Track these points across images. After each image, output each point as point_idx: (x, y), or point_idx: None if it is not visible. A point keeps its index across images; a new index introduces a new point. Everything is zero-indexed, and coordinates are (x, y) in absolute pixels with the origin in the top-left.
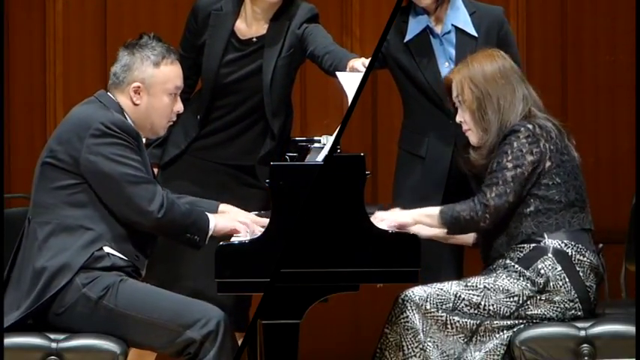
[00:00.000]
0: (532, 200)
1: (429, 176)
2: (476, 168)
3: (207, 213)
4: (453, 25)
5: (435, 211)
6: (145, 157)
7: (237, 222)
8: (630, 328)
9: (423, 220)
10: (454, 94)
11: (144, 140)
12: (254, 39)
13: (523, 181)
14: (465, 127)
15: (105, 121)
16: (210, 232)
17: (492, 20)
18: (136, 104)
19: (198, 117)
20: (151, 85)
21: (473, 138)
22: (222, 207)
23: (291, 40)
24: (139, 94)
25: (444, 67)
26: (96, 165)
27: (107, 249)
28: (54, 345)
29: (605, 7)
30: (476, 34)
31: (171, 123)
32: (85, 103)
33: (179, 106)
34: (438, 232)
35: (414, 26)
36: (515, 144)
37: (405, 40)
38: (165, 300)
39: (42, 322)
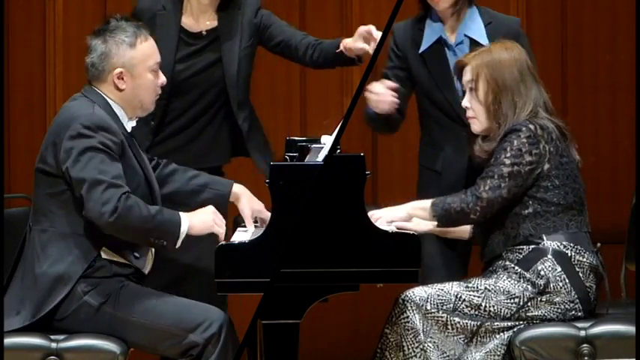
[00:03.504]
0: (530, 202)
1: (446, 191)
2: (481, 159)
3: (180, 214)
4: (465, 35)
5: (427, 203)
6: (135, 149)
7: (215, 226)
8: (630, 328)
9: (417, 213)
10: (466, 77)
11: (134, 123)
12: (204, 32)
13: (519, 179)
14: (469, 113)
15: (84, 122)
16: (181, 235)
17: (508, 31)
18: (121, 90)
19: (152, 123)
20: (132, 67)
21: (476, 126)
22: (236, 188)
23: (251, 29)
24: (123, 79)
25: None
26: (68, 169)
27: (105, 255)
28: (54, 345)
29: (605, 7)
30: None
31: (158, 97)
32: (72, 100)
33: (162, 79)
34: (434, 227)
35: (429, 36)
36: (515, 142)
37: (420, 51)
38: (167, 304)
39: (44, 327)
